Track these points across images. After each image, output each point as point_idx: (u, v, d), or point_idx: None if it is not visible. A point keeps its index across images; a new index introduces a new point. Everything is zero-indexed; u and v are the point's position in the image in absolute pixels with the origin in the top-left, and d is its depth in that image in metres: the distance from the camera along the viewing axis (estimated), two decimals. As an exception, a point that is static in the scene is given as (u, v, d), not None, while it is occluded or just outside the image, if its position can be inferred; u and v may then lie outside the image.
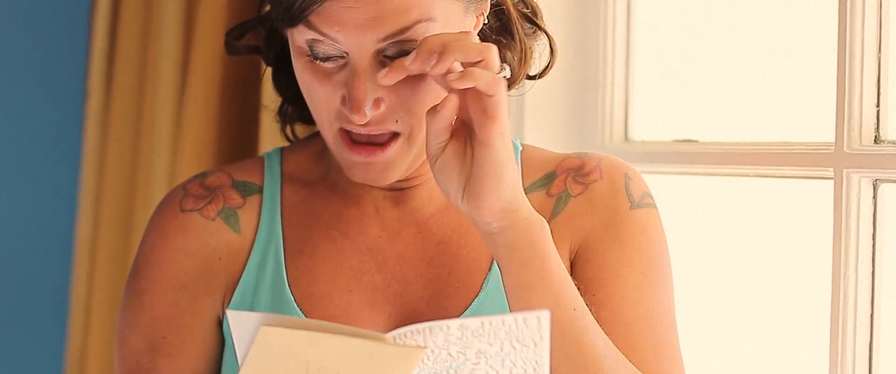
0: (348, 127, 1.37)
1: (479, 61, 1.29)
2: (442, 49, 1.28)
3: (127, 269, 2.43)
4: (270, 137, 2.13)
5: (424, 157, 1.43)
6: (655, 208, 1.49)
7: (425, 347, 1.22)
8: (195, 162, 2.24)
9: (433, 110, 1.31)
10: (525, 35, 1.48)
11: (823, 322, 1.65)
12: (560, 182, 1.49)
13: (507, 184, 1.31)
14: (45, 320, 2.70)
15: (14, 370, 2.71)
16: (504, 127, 1.30)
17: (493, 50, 1.30)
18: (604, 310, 1.42)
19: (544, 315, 1.24)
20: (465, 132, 1.33)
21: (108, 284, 2.47)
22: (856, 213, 1.62)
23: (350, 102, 1.34)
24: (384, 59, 1.34)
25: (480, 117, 1.30)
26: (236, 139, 2.26)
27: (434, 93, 1.36)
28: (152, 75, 2.38)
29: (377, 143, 1.38)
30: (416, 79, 1.35)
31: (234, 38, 1.56)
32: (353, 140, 1.38)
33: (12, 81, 2.69)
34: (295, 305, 1.43)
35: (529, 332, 1.24)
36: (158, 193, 2.32)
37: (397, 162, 1.39)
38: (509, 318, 1.24)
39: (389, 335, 1.22)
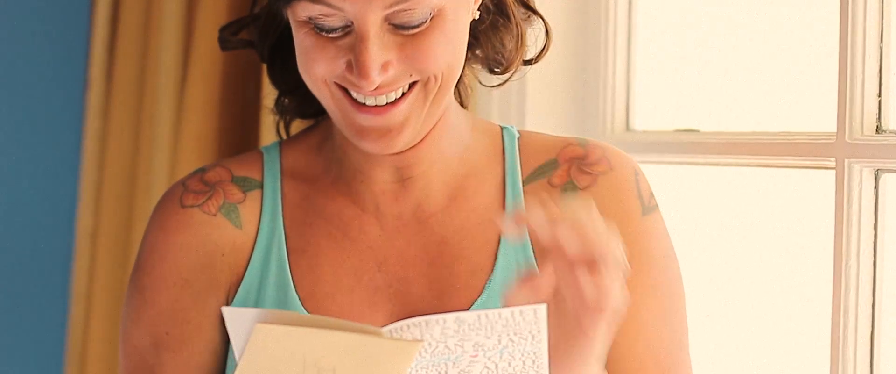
0: (355, 93, 1.35)
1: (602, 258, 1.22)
2: (578, 244, 1.22)
3: (128, 259, 2.43)
4: (271, 128, 2.12)
5: (434, 120, 1.41)
6: (658, 206, 1.48)
7: (421, 340, 1.22)
8: (196, 153, 2.24)
9: (527, 281, 1.25)
10: (520, 19, 1.47)
11: (825, 312, 1.65)
12: (563, 172, 1.47)
13: None
14: (46, 310, 2.70)
15: (15, 360, 2.71)
16: (609, 316, 1.24)
17: (619, 246, 1.24)
18: (639, 343, 1.42)
19: (541, 309, 1.23)
20: (557, 300, 1.26)
21: (108, 274, 2.47)
22: (857, 203, 1.61)
23: (358, 68, 1.33)
24: (390, 26, 1.34)
25: (587, 304, 1.23)
26: (237, 130, 2.26)
27: (439, 45, 1.35)
28: (153, 66, 2.38)
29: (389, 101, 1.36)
30: (420, 36, 1.34)
31: (228, 34, 1.55)
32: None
33: (13, 71, 2.68)
34: (300, 303, 1.42)
35: (526, 325, 1.24)
36: (159, 183, 2.32)
37: (411, 120, 1.37)
38: (506, 312, 1.24)
39: (386, 330, 1.22)
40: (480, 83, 1.56)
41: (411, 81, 1.36)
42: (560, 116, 2.06)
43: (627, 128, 2.04)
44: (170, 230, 1.46)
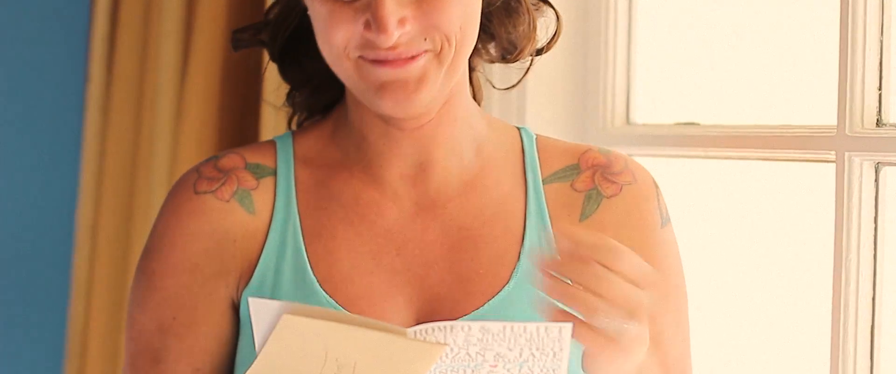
0: (374, 55, 1.38)
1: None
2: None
3: (128, 252, 2.44)
4: (272, 120, 2.13)
5: (448, 89, 1.43)
6: (671, 218, 1.51)
7: (445, 344, 1.23)
8: (196, 146, 2.24)
9: (557, 283, 1.29)
10: (531, 4, 1.49)
11: (825, 305, 1.65)
12: (587, 178, 1.49)
13: None
14: (47, 303, 2.70)
15: (16, 353, 2.72)
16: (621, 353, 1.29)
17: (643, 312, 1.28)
18: (660, 348, 1.45)
19: (566, 327, 1.25)
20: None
21: (109, 267, 2.48)
22: (857, 196, 1.62)
23: (376, 22, 1.35)
24: None
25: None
26: (237, 124, 2.26)
27: (453, 5, 1.37)
28: (153, 59, 2.38)
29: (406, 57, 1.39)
30: None
31: (241, 35, 1.58)
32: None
33: (13, 65, 2.68)
34: (318, 286, 1.43)
35: (550, 342, 1.25)
36: (159, 177, 2.32)
37: (428, 79, 1.39)
38: (532, 326, 1.25)
39: (410, 331, 1.23)
40: (494, 87, 1.58)
41: (426, 47, 1.38)
42: (560, 109, 2.06)
43: (627, 121, 2.04)
44: (183, 216, 1.47)
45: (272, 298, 1.42)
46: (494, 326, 1.25)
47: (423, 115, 1.45)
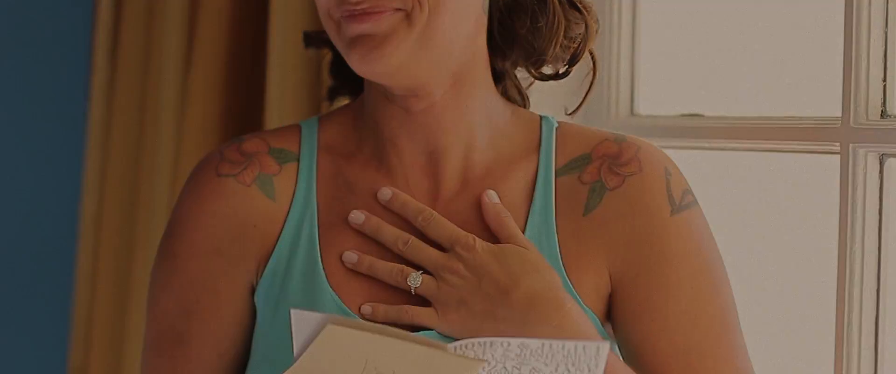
0: (346, 11, 1.40)
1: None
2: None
3: (132, 243, 2.44)
4: (276, 109, 2.13)
5: (425, 58, 1.42)
6: (697, 204, 1.47)
7: (484, 360, 1.24)
8: (201, 135, 2.24)
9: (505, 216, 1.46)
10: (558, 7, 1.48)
11: (829, 297, 1.65)
12: (594, 169, 1.47)
13: None
14: (50, 294, 2.71)
15: (20, 344, 2.72)
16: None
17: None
18: (661, 340, 1.43)
19: (603, 346, 1.26)
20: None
21: (113, 257, 2.48)
22: (862, 187, 1.62)
23: None
24: None
25: None
26: (242, 114, 2.26)
27: None
28: (157, 51, 2.38)
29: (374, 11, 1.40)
30: None
31: (312, 35, 1.61)
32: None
33: (17, 55, 2.68)
34: (324, 279, 1.44)
35: (587, 359, 1.26)
36: (163, 168, 2.32)
37: (395, 38, 1.39)
38: (570, 344, 1.27)
39: (451, 346, 1.25)
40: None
41: (396, 5, 1.39)
42: (564, 100, 2.05)
43: (632, 112, 2.04)
44: (204, 198, 1.48)
45: (282, 288, 1.44)
46: (533, 343, 1.26)
47: (423, 94, 1.44)
